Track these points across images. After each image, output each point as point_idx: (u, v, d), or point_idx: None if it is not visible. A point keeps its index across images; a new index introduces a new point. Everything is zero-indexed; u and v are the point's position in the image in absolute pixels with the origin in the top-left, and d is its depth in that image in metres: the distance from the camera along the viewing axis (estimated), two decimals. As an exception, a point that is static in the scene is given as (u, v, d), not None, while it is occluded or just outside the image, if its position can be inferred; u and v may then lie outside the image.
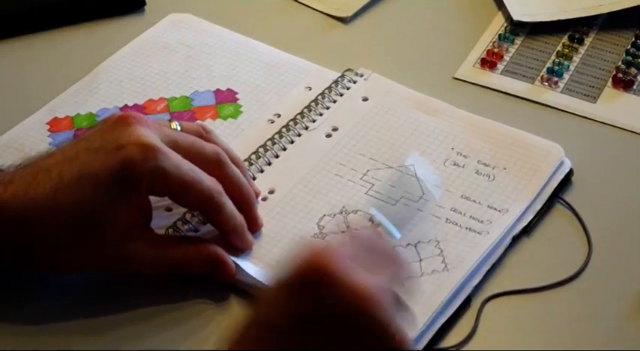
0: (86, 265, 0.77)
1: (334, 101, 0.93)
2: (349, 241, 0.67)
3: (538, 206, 0.84)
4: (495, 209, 0.83)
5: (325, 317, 0.62)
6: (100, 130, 0.76)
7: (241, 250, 0.79)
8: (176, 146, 0.76)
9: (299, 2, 1.06)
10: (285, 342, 0.62)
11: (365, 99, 0.93)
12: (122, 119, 0.76)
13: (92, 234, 0.75)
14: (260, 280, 0.78)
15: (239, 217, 0.79)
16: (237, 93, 0.95)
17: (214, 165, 0.78)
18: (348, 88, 0.94)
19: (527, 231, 0.83)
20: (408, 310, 0.66)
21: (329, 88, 0.94)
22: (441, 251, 0.80)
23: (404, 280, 0.67)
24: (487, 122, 0.91)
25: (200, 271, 0.78)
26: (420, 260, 0.79)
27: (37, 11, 1.02)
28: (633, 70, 0.98)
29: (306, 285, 0.62)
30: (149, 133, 0.75)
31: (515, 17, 1.02)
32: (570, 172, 0.87)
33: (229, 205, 0.78)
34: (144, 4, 1.05)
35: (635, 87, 0.97)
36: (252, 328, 0.63)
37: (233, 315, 0.77)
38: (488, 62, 0.99)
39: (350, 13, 1.05)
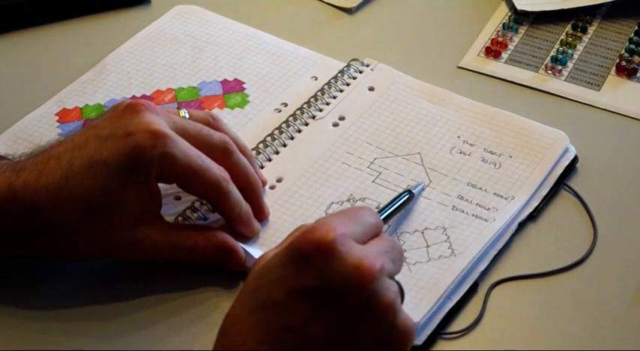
0: (97, 251, 0.77)
1: (341, 91, 0.94)
2: (342, 217, 0.68)
3: (544, 192, 0.85)
4: (501, 197, 0.84)
5: (326, 290, 0.63)
6: (109, 118, 0.77)
7: (247, 237, 0.80)
8: (184, 133, 0.77)
9: (305, -7, 1.07)
10: (286, 316, 0.63)
11: (371, 89, 0.94)
12: (131, 106, 0.76)
13: (103, 220, 0.75)
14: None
15: (245, 205, 0.79)
16: (244, 83, 0.96)
17: (221, 153, 0.79)
18: (354, 78, 0.95)
19: (533, 217, 0.84)
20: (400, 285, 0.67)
21: (335, 77, 0.95)
22: (448, 237, 0.81)
23: (397, 255, 0.69)
24: (493, 110, 0.91)
25: (210, 260, 0.79)
26: (427, 246, 0.80)
27: (46, 4, 1.03)
28: (637, 58, 0.98)
29: (305, 259, 0.64)
30: (158, 120, 0.76)
31: (519, 7, 1.03)
32: (575, 159, 0.88)
33: (235, 192, 0.78)
34: (149, -5, 1.06)
35: (638, 75, 0.97)
36: (252, 307, 0.64)
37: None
38: (493, 51, 0.99)
39: (355, 4, 1.05)
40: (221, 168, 0.78)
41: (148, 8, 1.05)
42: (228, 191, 0.78)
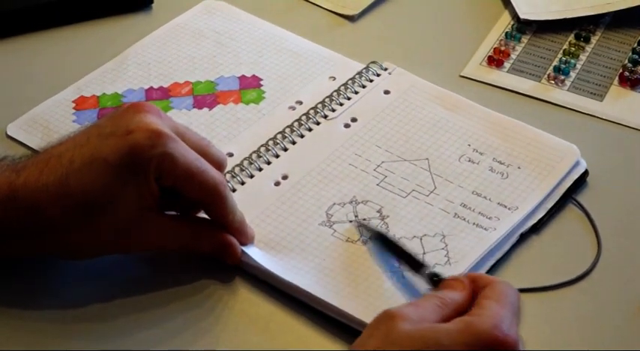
0: (98, 249, 0.78)
1: (356, 92, 0.94)
2: (516, 316, 0.69)
3: (549, 205, 0.84)
4: (505, 207, 0.83)
5: None
6: (111, 117, 0.77)
7: (242, 244, 0.80)
8: (183, 140, 0.77)
9: (307, 0, 1.06)
10: None
11: (387, 92, 0.94)
12: (134, 106, 0.77)
13: (103, 219, 0.75)
14: (265, 266, 0.79)
15: (239, 213, 0.79)
16: (261, 79, 0.96)
17: (217, 168, 0.79)
18: (371, 81, 0.95)
19: (536, 229, 0.83)
20: None
21: (352, 79, 0.95)
22: (446, 245, 0.80)
23: None
24: (507, 121, 0.91)
25: (207, 252, 0.79)
26: (424, 253, 0.80)
27: (45, 10, 1.03)
28: None
29: None
30: (159, 121, 0.76)
31: (522, 16, 1.03)
32: (585, 173, 0.87)
33: (231, 198, 0.78)
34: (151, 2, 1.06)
35: (641, 85, 0.97)
36: None
37: (236, 292, 0.79)
38: (495, 60, 0.99)
39: (357, 11, 1.05)
40: (219, 172, 0.78)
41: (149, 14, 1.05)
42: (225, 196, 0.78)
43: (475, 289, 0.71)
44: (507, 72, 0.98)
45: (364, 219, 0.82)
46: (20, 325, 0.77)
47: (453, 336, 0.66)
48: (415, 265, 0.77)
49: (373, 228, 0.81)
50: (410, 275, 0.77)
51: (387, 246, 0.79)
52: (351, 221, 0.82)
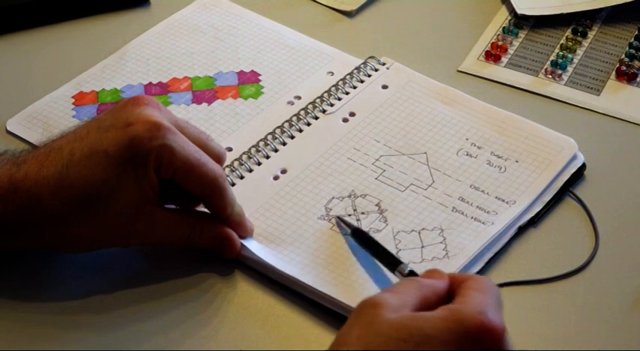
0: (98, 242, 0.78)
1: (354, 87, 0.94)
2: (499, 306, 0.68)
3: (547, 198, 0.85)
4: (503, 200, 0.84)
5: None
6: (111, 111, 0.78)
7: (240, 237, 0.80)
8: (183, 133, 0.77)
9: (305, -4, 1.08)
10: None
11: (385, 87, 0.94)
12: (133, 100, 0.77)
13: (103, 212, 0.76)
14: (264, 259, 0.79)
15: (238, 206, 0.80)
16: (260, 75, 0.97)
17: (216, 161, 0.79)
18: (369, 76, 0.95)
19: (534, 222, 0.84)
20: None
21: (350, 74, 0.95)
22: (444, 239, 0.81)
23: None
24: (504, 114, 0.91)
25: (206, 247, 0.80)
26: (422, 247, 0.80)
27: (47, 6, 1.03)
28: (637, 63, 0.98)
29: (475, 340, 0.65)
30: (158, 113, 0.76)
31: (520, 11, 1.03)
32: (583, 167, 0.87)
33: (230, 191, 0.79)
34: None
35: (638, 80, 0.97)
36: None
37: (235, 285, 0.79)
38: (493, 55, 0.99)
39: (355, 7, 1.05)
40: (218, 165, 0.78)
41: (147, 10, 1.06)
42: (224, 188, 0.78)
43: (454, 285, 0.69)
44: (505, 67, 0.99)
45: (362, 212, 0.83)
46: (21, 317, 0.77)
47: (436, 323, 0.65)
48: (392, 263, 0.77)
49: (351, 224, 0.81)
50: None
51: (365, 242, 0.80)
52: (349, 215, 0.83)
